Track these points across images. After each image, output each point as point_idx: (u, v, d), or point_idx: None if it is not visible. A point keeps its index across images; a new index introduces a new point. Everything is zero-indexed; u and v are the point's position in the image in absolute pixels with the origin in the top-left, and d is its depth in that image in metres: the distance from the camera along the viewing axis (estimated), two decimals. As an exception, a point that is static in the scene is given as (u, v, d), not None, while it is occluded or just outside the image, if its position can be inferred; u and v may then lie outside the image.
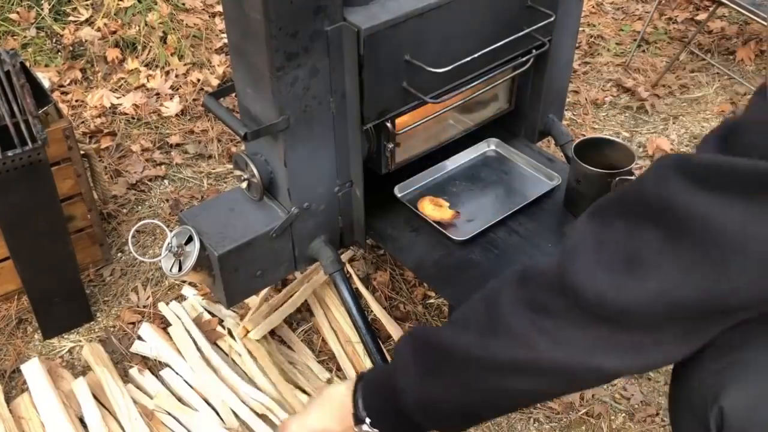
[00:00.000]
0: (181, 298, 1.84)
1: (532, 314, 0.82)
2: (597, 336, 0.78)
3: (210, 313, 1.78)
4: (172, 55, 2.75)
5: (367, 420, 1.00)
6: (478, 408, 0.95)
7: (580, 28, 2.24)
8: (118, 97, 2.57)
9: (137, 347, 1.71)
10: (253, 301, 1.77)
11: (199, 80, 2.65)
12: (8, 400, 1.59)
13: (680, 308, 0.73)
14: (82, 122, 2.47)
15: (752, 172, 0.65)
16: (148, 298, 1.85)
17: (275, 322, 1.71)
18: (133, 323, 1.79)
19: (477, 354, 0.87)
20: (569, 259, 0.79)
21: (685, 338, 0.78)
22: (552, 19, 1.51)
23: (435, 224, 1.57)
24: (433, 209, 1.60)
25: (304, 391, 1.61)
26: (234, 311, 1.77)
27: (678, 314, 0.74)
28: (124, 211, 2.14)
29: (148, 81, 2.65)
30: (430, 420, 0.97)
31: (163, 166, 2.30)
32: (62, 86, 2.63)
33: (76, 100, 2.56)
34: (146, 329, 1.74)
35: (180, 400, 1.59)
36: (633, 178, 1.53)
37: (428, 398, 0.94)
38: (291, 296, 1.77)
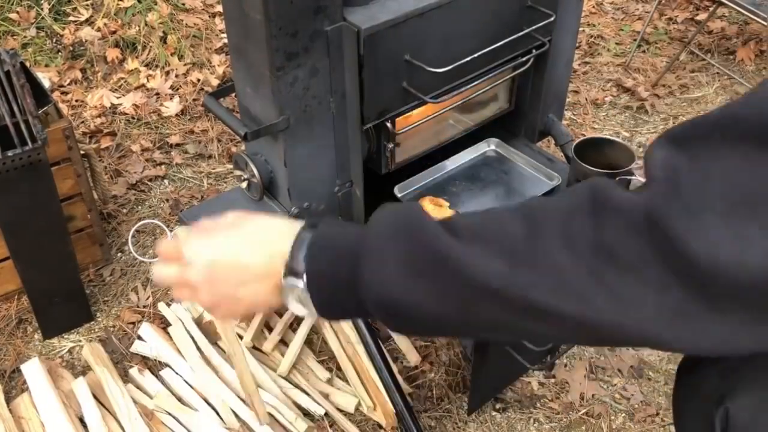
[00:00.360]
0: (181, 298, 1.84)
1: (594, 258, 0.62)
2: (683, 305, 0.60)
3: (210, 313, 1.78)
4: (172, 55, 2.75)
5: (304, 279, 0.76)
6: (458, 327, 0.77)
7: (580, 28, 2.24)
8: (118, 97, 2.57)
9: (137, 347, 1.71)
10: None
11: (199, 80, 2.65)
12: (8, 400, 1.59)
13: None
14: (82, 122, 2.47)
15: None
16: (148, 298, 1.85)
17: (296, 347, 1.69)
18: (133, 323, 1.79)
19: (499, 285, 0.67)
20: (666, 200, 0.60)
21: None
22: (552, 19, 1.51)
23: (435, 224, 1.57)
24: (433, 209, 1.60)
25: (304, 392, 1.61)
26: (234, 311, 1.77)
27: None
28: (124, 211, 2.14)
29: (148, 81, 2.65)
30: (387, 317, 0.75)
31: (163, 166, 2.30)
32: (62, 86, 2.63)
33: (76, 100, 2.56)
34: (146, 329, 1.74)
35: (180, 400, 1.59)
36: (633, 178, 1.53)
37: (399, 300, 0.72)
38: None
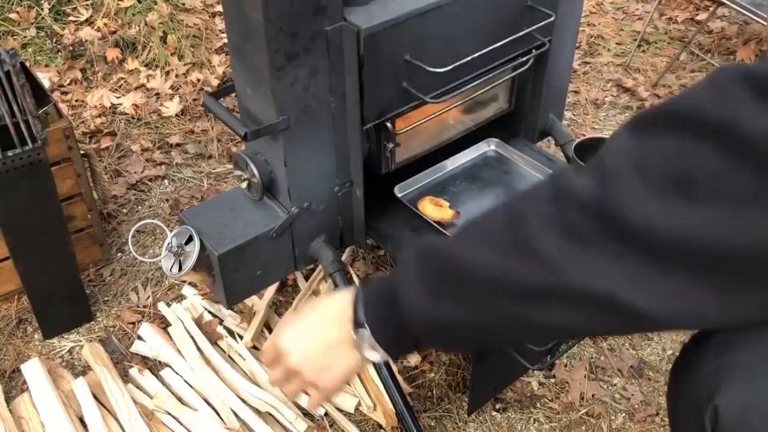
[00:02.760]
0: (181, 298, 1.84)
1: (563, 239, 0.72)
2: (636, 268, 0.69)
3: (210, 313, 1.78)
4: (172, 55, 2.75)
5: (367, 327, 0.92)
6: (491, 335, 0.87)
7: (580, 28, 2.24)
8: (118, 97, 2.57)
9: (137, 347, 1.71)
10: (253, 303, 1.77)
11: (199, 80, 2.65)
12: (8, 400, 1.59)
13: (736, 247, 0.64)
14: (82, 122, 2.47)
15: None
16: (148, 298, 1.85)
17: None
18: (133, 323, 1.79)
19: (497, 274, 0.77)
20: (610, 179, 0.70)
21: (734, 291, 0.68)
22: (552, 19, 1.51)
23: (435, 224, 1.57)
24: (433, 209, 1.60)
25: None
26: (234, 311, 1.77)
27: (733, 254, 0.65)
28: (124, 211, 2.14)
29: (148, 81, 2.65)
30: (434, 339, 0.89)
31: (163, 166, 2.30)
32: (62, 86, 2.63)
33: (76, 100, 2.56)
34: (146, 329, 1.74)
35: (180, 400, 1.59)
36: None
37: (436, 320, 0.85)
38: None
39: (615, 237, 0.69)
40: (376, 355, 0.93)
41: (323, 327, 0.97)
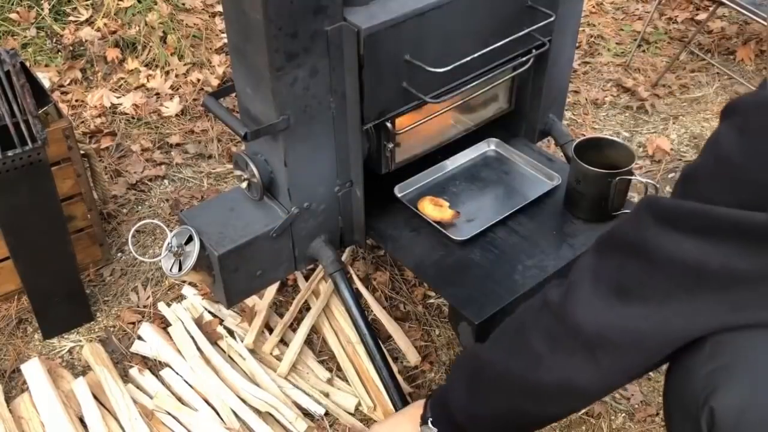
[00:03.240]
0: (181, 298, 1.84)
1: (545, 340, 0.93)
2: (579, 359, 0.89)
3: (210, 313, 1.78)
4: (172, 55, 2.75)
5: (430, 422, 1.15)
6: (514, 425, 1.04)
7: (580, 28, 2.24)
8: (118, 97, 2.57)
9: (137, 347, 1.71)
10: (254, 303, 1.77)
11: (199, 80, 2.65)
12: (8, 400, 1.59)
13: (656, 333, 0.84)
14: (82, 122, 2.47)
15: (700, 214, 0.77)
16: (148, 298, 1.85)
17: (296, 347, 1.69)
18: (133, 323, 1.79)
19: (501, 370, 0.99)
20: (571, 289, 0.91)
21: (637, 366, 0.90)
22: (552, 18, 1.51)
23: (435, 224, 1.57)
24: (433, 209, 1.60)
25: (305, 392, 1.61)
26: (234, 311, 1.77)
27: (650, 339, 0.85)
28: (124, 211, 2.14)
29: (148, 81, 2.65)
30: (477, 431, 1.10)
31: (163, 166, 2.30)
32: (62, 86, 2.63)
33: (76, 100, 2.56)
34: (146, 329, 1.74)
35: (180, 400, 1.59)
36: (633, 178, 1.53)
37: (472, 414, 1.06)
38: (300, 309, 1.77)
39: (570, 335, 0.89)
40: None
41: (402, 423, 1.24)
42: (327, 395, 1.61)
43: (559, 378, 0.91)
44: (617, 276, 0.86)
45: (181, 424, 1.53)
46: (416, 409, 1.20)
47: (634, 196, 1.81)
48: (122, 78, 2.67)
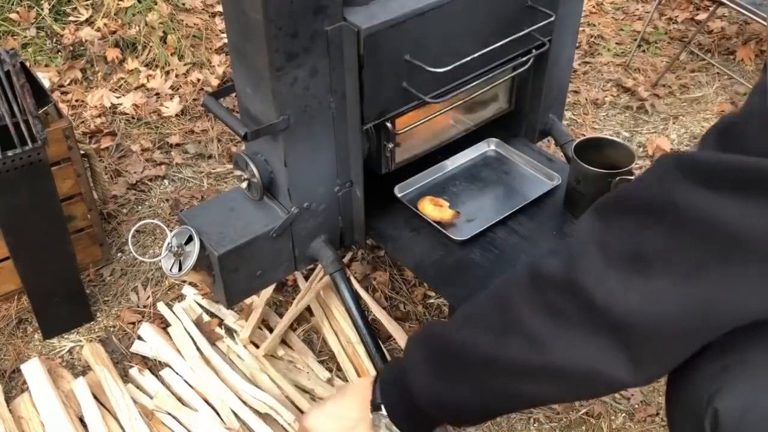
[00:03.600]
0: (181, 298, 1.84)
1: (547, 318, 0.80)
2: (605, 341, 0.76)
3: (210, 313, 1.78)
4: (172, 55, 2.75)
5: (383, 409, 1.01)
6: (491, 407, 0.95)
7: (580, 28, 2.24)
8: (118, 97, 2.57)
9: (137, 347, 1.71)
10: (252, 301, 1.77)
11: (199, 80, 2.65)
12: (8, 400, 1.59)
13: (688, 315, 0.72)
14: (82, 122, 2.47)
15: (747, 169, 0.66)
16: (148, 298, 1.85)
17: (281, 327, 1.69)
18: (133, 323, 1.79)
19: (490, 354, 0.86)
20: (576, 259, 0.78)
21: (675, 354, 0.79)
22: (552, 18, 1.51)
23: (435, 224, 1.57)
24: (433, 209, 1.60)
25: (305, 391, 1.61)
26: (234, 311, 1.77)
27: (683, 322, 0.73)
28: (124, 211, 2.14)
29: (148, 81, 2.65)
30: (443, 416, 0.98)
31: (163, 166, 2.30)
32: (62, 86, 2.63)
33: (76, 100, 2.56)
34: (146, 329, 1.74)
35: (180, 400, 1.59)
36: (633, 178, 1.53)
37: (440, 397, 0.95)
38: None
39: (586, 313, 0.77)
40: None
41: (346, 408, 1.07)
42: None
43: (574, 360, 0.79)
44: (632, 244, 0.74)
45: (181, 424, 1.53)
46: (364, 390, 1.05)
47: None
48: (122, 78, 2.67)
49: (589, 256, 0.77)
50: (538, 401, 0.94)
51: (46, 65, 2.71)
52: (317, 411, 1.12)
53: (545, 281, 0.82)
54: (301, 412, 1.57)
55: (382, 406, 1.01)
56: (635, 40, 2.84)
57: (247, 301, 1.77)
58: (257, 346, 1.68)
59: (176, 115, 2.51)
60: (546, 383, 0.84)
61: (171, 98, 2.57)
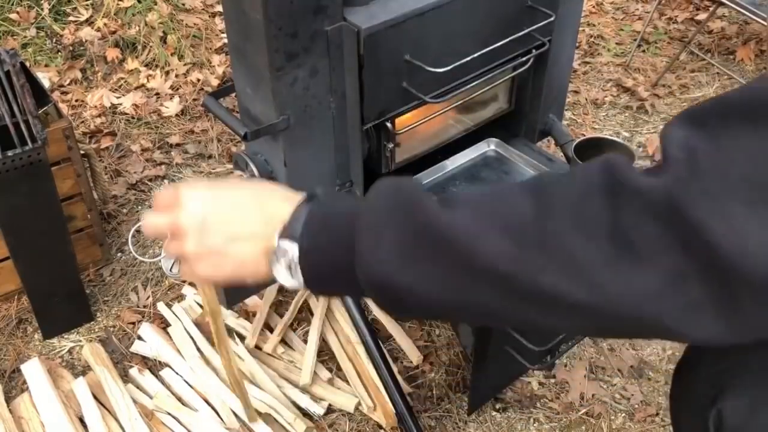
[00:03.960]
0: (181, 298, 1.84)
1: (609, 244, 0.58)
2: (702, 297, 0.57)
3: (210, 313, 1.78)
4: (172, 55, 2.75)
5: (296, 248, 0.71)
6: (467, 317, 0.76)
7: (580, 28, 2.24)
8: (118, 97, 2.57)
9: (137, 347, 1.71)
10: (254, 303, 1.77)
11: (199, 80, 2.65)
12: (8, 400, 1.59)
13: None
14: (82, 122, 2.47)
15: None
16: (148, 298, 1.85)
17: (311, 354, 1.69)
18: (133, 323, 1.79)
19: (508, 268, 0.61)
20: (687, 184, 0.56)
21: None
22: (552, 18, 1.51)
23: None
24: (433, 209, 1.59)
25: (304, 392, 1.61)
26: (234, 311, 1.77)
27: None
28: (124, 211, 2.14)
29: (148, 81, 2.65)
30: (383, 298, 0.71)
31: (163, 166, 2.30)
32: (62, 86, 2.63)
33: (76, 100, 2.56)
34: (146, 329, 1.74)
35: (180, 400, 1.59)
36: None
37: (394, 283, 0.67)
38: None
39: (685, 254, 0.56)
40: (288, 278, 0.73)
41: (243, 209, 0.76)
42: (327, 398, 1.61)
43: (641, 307, 0.58)
44: (756, 166, 0.54)
45: (181, 424, 1.53)
46: (281, 205, 0.73)
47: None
48: (122, 78, 2.67)
49: (702, 179, 0.56)
50: (552, 330, 0.76)
51: (46, 65, 2.71)
52: (209, 192, 0.78)
53: (631, 197, 0.58)
54: (302, 412, 1.57)
55: (296, 245, 0.71)
56: (635, 40, 2.84)
57: (249, 303, 1.77)
58: (259, 348, 1.69)
59: (176, 115, 2.51)
60: (579, 319, 0.62)
61: (171, 98, 2.57)
